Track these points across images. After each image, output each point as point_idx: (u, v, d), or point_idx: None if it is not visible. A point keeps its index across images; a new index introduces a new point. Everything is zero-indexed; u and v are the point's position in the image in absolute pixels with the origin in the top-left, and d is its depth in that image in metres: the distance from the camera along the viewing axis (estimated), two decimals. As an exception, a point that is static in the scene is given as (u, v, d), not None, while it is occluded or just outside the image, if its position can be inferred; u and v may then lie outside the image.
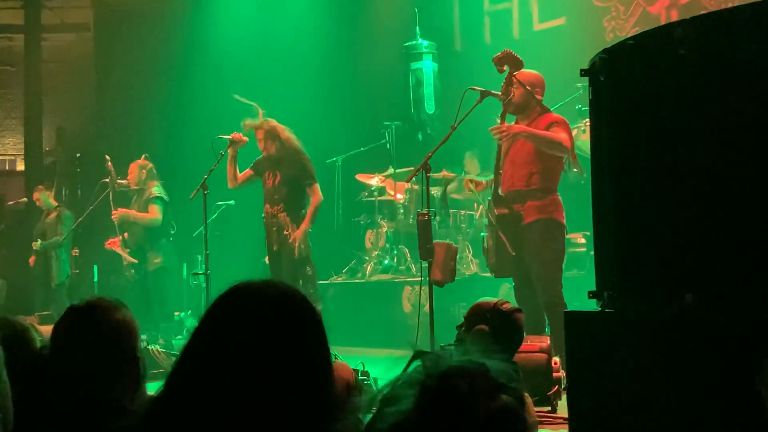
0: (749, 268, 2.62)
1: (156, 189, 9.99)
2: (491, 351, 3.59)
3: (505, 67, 6.58)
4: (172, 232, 10.24)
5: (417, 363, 1.45)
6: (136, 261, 10.00)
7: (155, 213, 9.90)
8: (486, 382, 1.36)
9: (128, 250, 10.04)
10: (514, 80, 6.54)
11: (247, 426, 1.73)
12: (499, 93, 6.64)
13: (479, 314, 4.09)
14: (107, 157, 10.28)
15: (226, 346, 1.80)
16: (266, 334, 1.80)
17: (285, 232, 8.08)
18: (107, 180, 10.27)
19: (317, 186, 8.22)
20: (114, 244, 10.14)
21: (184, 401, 1.78)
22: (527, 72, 6.68)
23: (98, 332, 2.55)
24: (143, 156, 10.21)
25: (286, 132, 8.25)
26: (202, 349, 1.83)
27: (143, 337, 9.37)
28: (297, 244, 8.01)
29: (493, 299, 4.22)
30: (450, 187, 8.41)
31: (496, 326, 3.97)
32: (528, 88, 6.57)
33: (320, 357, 1.84)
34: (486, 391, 1.34)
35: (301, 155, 8.24)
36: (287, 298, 1.87)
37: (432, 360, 1.41)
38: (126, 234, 10.04)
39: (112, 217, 9.98)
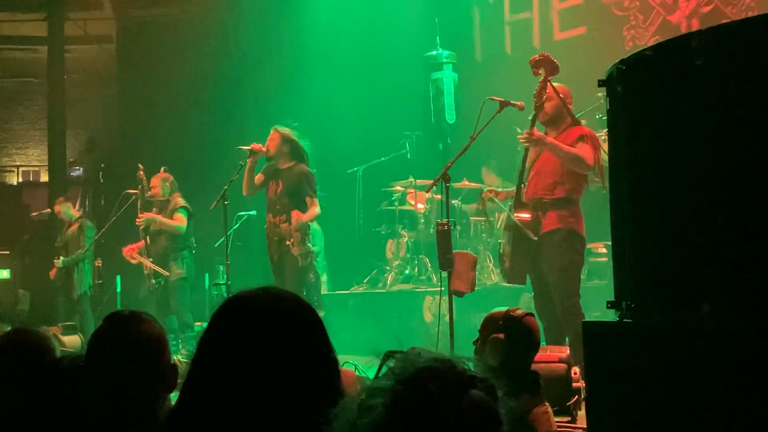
0: (767, 277, 2.62)
1: (181, 199, 10.09)
2: (510, 359, 3.59)
3: (541, 71, 6.55)
4: (194, 245, 10.30)
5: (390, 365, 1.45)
6: (161, 271, 10.05)
7: (181, 221, 9.98)
8: (454, 378, 1.36)
9: (150, 258, 10.10)
10: (549, 87, 6.51)
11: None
12: (519, 102, 6.64)
13: (492, 324, 4.08)
14: (140, 165, 10.34)
15: (228, 356, 1.82)
16: (264, 341, 1.82)
17: (287, 243, 8.08)
18: (136, 190, 10.35)
19: (317, 201, 8.21)
20: (132, 250, 10.20)
21: (197, 411, 1.81)
22: (556, 85, 6.65)
23: (140, 342, 2.56)
24: (162, 169, 10.27)
25: (298, 142, 8.29)
26: (206, 361, 1.86)
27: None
28: (294, 230, 8.02)
29: (502, 308, 4.22)
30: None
31: (510, 333, 3.96)
32: (562, 97, 6.56)
33: (319, 359, 1.86)
34: (454, 388, 1.34)
35: (302, 167, 8.24)
36: (283, 303, 1.88)
37: (400, 364, 1.42)
38: (148, 239, 10.11)
39: (137, 221, 10.04)
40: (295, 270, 8.08)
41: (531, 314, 4.18)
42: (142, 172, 10.29)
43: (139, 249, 10.15)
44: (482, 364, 3.96)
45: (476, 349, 4.07)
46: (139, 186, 10.26)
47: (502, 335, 3.91)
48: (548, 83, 6.52)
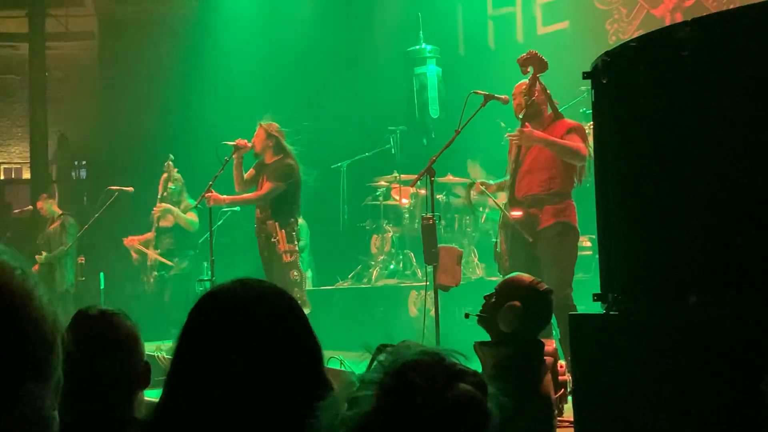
0: (753, 268, 2.62)
1: (191, 201, 10.08)
2: (521, 329, 3.56)
3: (530, 69, 6.55)
4: (199, 246, 10.29)
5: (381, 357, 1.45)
6: (167, 261, 10.05)
7: (194, 217, 9.99)
8: (442, 372, 1.35)
9: (158, 250, 10.09)
10: (539, 83, 6.52)
11: (239, 427, 1.75)
12: (503, 96, 6.64)
13: (514, 289, 4.01)
14: (171, 156, 10.27)
15: (207, 350, 1.81)
16: (241, 333, 1.81)
17: (272, 240, 8.05)
18: (120, 187, 10.33)
19: (273, 187, 8.01)
20: (133, 241, 10.20)
21: (180, 406, 1.80)
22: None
23: (108, 340, 2.53)
24: (175, 170, 10.21)
25: (282, 139, 8.24)
26: (186, 356, 1.85)
27: (168, 343, 9.45)
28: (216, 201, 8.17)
29: (528, 276, 4.16)
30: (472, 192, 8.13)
31: (529, 304, 3.90)
32: (548, 92, 6.56)
33: (300, 349, 1.85)
34: (442, 381, 1.34)
35: (286, 160, 8.18)
36: (259, 295, 1.88)
37: (389, 357, 1.41)
38: (153, 234, 10.11)
39: (154, 210, 10.01)
40: (280, 267, 8.05)
41: (552, 291, 4.14)
42: (170, 162, 10.21)
43: (143, 241, 10.16)
44: (489, 324, 3.94)
45: (486, 305, 4.01)
46: (165, 174, 10.19)
47: (518, 303, 3.86)
48: (537, 80, 6.52)
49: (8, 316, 1.14)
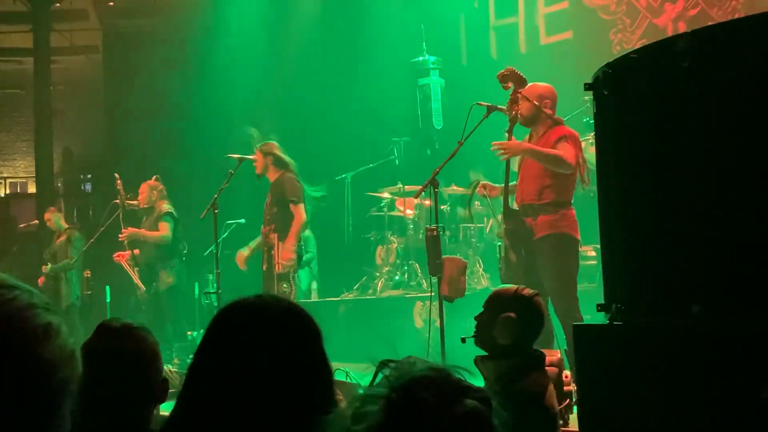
0: (756, 277, 2.63)
1: (166, 206, 10.08)
2: (520, 338, 3.58)
3: (510, 84, 6.59)
4: (184, 251, 10.30)
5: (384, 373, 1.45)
6: (143, 288, 10.10)
7: (165, 230, 9.98)
8: (448, 387, 1.36)
9: (137, 268, 10.11)
10: (519, 97, 6.55)
11: None
12: (505, 108, 6.65)
13: (501, 302, 4.02)
14: (116, 176, 10.35)
15: (224, 364, 1.83)
16: (257, 349, 1.83)
17: (273, 252, 8.11)
18: (117, 200, 10.35)
19: (301, 207, 8.23)
20: (122, 257, 10.22)
21: (194, 418, 1.82)
22: (539, 84, 6.69)
23: (131, 353, 2.55)
24: (154, 177, 10.28)
25: (278, 153, 8.35)
26: (203, 369, 1.87)
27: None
28: (282, 262, 8.12)
29: (511, 286, 4.17)
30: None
31: (521, 312, 3.92)
32: (535, 101, 6.57)
33: (312, 366, 1.86)
34: (449, 397, 1.34)
35: (287, 175, 8.28)
36: (276, 311, 1.90)
37: (395, 372, 1.42)
38: (137, 251, 10.11)
39: (120, 237, 10.04)
40: (274, 279, 8.12)
41: (538, 294, 4.15)
42: (119, 182, 10.28)
43: (128, 258, 10.18)
44: (485, 341, 3.94)
45: (479, 324, 4.01)
46: (118, 197, 10.26)
47: (513, 314, 3.86)
48: (519, 95, 6.55)
49: (19, 365, 1.14)
